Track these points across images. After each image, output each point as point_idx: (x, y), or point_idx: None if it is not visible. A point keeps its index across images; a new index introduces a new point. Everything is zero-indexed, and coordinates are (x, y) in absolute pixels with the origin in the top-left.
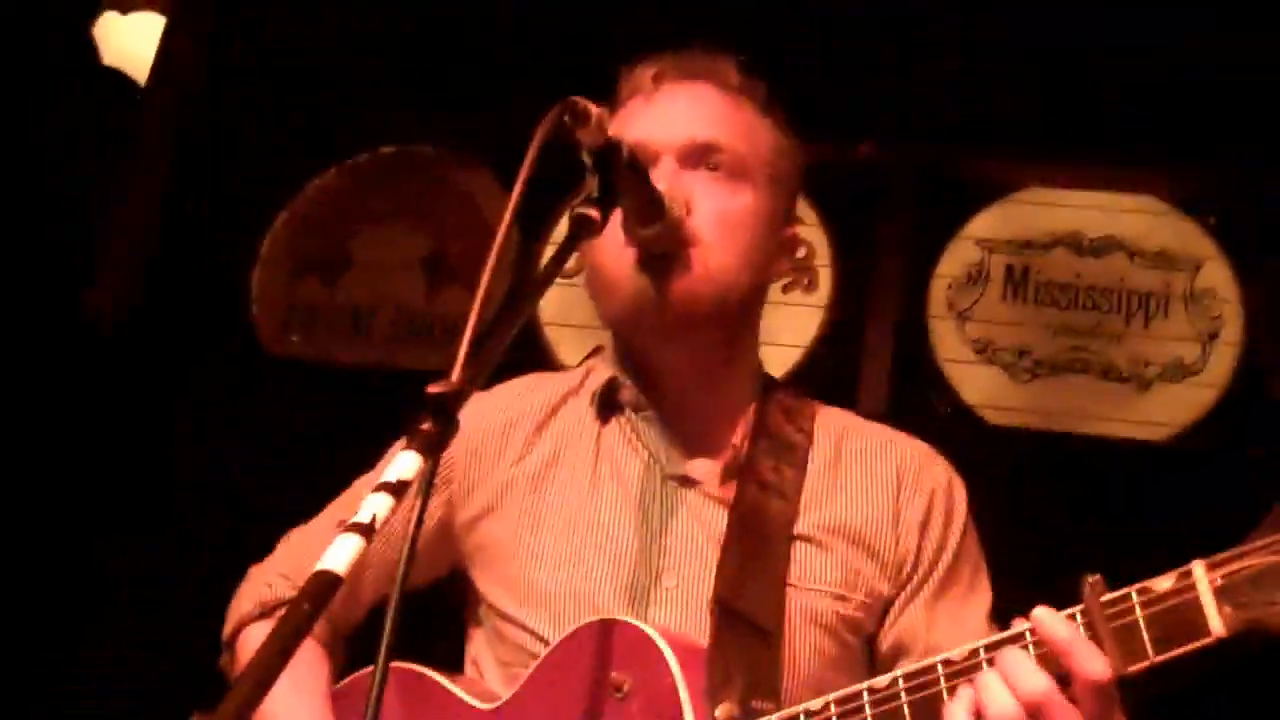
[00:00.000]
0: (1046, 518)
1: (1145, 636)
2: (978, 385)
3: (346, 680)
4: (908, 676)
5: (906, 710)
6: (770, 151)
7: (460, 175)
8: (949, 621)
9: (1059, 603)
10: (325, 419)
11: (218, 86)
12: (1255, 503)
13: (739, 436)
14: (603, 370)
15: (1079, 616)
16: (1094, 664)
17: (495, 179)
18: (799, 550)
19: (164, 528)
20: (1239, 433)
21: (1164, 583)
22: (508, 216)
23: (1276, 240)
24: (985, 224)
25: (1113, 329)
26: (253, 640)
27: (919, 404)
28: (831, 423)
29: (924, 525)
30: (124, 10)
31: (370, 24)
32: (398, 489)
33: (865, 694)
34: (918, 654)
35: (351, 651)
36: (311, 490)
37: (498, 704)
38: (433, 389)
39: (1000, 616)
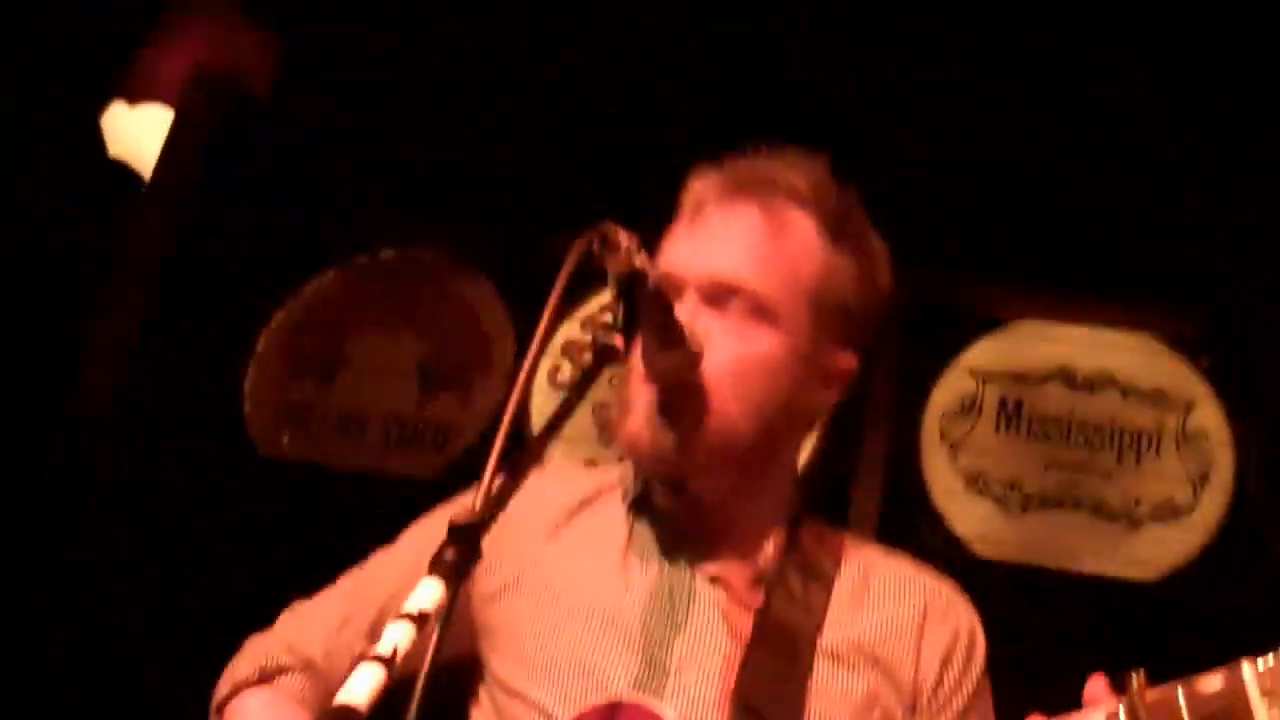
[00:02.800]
0: (1033, 654)
1: None
2: (968, 517)
3: None
4: None
5: None
6: (817, 277)
7: (459, 283)
8: None
9: None
10: (315, 521)
11: (219, 180)
12: (1240, 647)
13: (770, 549)
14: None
15: (1123, 713)
16: None
17: (494, 289)
18: (821, 664)
19: (154, 625)
20: (1227, 577)
21: (1211, 682)
22: (535, 349)
23: (1270, 385)
24: (980, 354)
25: (1104, 466)
26: (246, 705)
27: (909, 534)
28: (860, 551)
29: (946, 659)
30: (131, 102)
31: (374, 123)
32: (419, 619)
33: None
34: None
35: None
36: (301, 590)
37: None
38: (457, 519)
39: None
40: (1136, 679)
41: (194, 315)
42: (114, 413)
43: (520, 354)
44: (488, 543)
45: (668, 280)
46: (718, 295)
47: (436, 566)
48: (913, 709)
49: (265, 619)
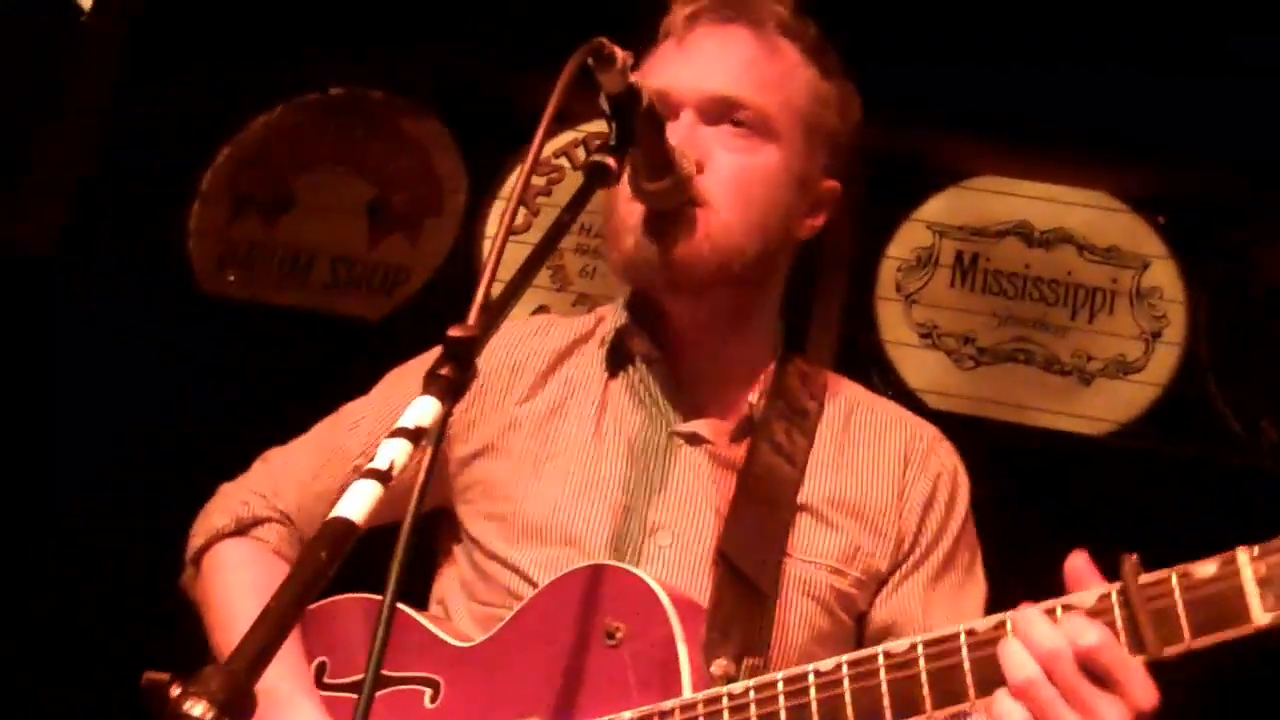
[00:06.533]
0: (984, 506)
1: (1184, 621)
2: (921, 369)
3: (317, 604)
4: (928, 644)
5: (925, 677)
6: (808, 101)
7: (409, 122)
8: (945, 606)
9: (996, 592)
10: (260, 360)
11: (164, 15)
12: (1187, 501)
13: (755, 395)
14: (615, 317)
15: (1115, 595)
16: (1138, 689)
17: (444, 127)
18: (801, 520)
19: (91, 461)
20: (1176, 432)
21: (1205, 568)
22: (530, 156)
23: (1224, 243)
24: (937, 208)
25: (1058, 321)
26: (225, 557)
27: (862, 385)
28: (843, 393)
29: (928, 505)
30: None
31: None
32: (415, 435)
33: (881, 657)
34: (910, 634)
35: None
36: (248, 429)
37: (475, 642)
38: (453, 333)
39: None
40: (1130, 562)
41: (138, 153)
42: (59, 253)
43: (474, 196)
44: (463, 406)
45: (663, 99)
46: (718, 112)
47: (431, 382)
48: (897, 557)
49: (211, 457)
